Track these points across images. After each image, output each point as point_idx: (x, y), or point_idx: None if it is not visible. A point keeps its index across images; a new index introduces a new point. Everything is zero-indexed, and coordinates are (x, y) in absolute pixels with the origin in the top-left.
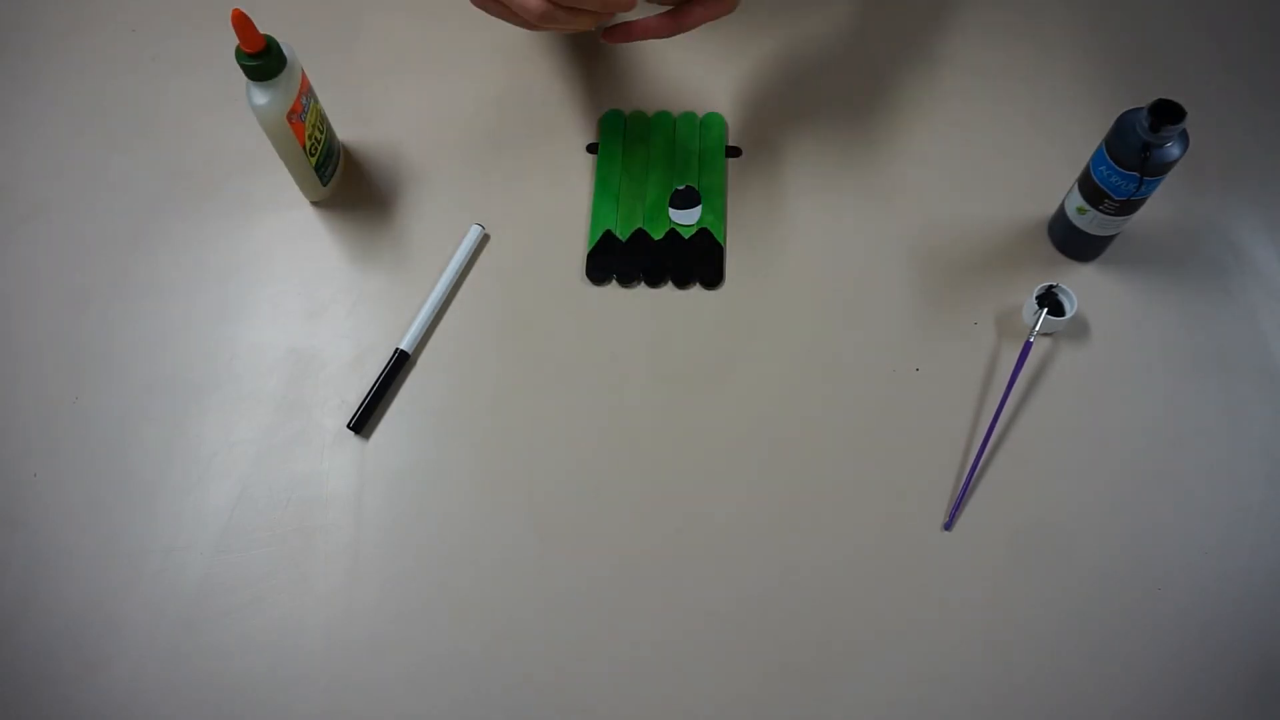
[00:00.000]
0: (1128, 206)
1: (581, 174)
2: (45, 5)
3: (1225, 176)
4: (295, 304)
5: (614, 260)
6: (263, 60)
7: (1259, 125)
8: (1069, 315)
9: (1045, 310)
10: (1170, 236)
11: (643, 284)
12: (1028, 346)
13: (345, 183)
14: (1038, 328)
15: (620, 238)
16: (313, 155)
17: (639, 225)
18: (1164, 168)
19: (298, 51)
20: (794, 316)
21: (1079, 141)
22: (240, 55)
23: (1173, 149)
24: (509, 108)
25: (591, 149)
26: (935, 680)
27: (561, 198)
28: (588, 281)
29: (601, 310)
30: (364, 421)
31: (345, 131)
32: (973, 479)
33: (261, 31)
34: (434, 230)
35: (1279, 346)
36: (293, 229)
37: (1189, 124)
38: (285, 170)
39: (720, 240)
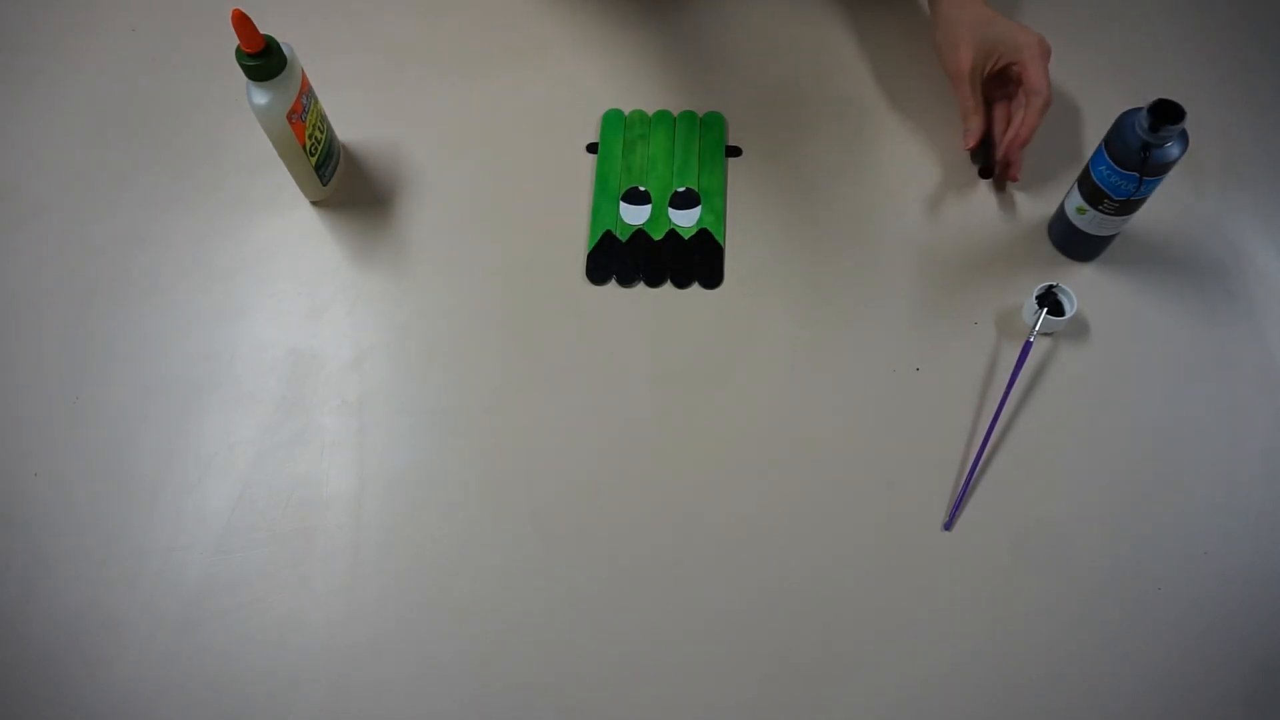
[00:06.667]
0: (1127, 206)
1: (581, 174)
2: (45, 5)
3: (1225, 176)
4: (295, 304)
5: (614, 260)
6: (263, 60)
7: (1259, 125)
8: (1069, 315)
9: (1045, 310)
10: (1170, 236)
11: (643, 284)
12: (1028, 346)
13: (345, 183)
14: (1038, 328)
15: (620, 238)
16: (313, 155)
17: (639, 225)
18: (1163, 168)
19: (298, 51)
20: (794, 316)
21: (1079, 142)
22: (240, 55)
23: (1172, 149)
24: (509, 108)
25: (591, 149)
26: (935, 679)
27: (561, 198)
28: (588, 281)
29: (601, 310)
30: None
31: (345, 131)
32: (973, 479)
33: (261, 31)
34: (434, 230)
35: (1279, 346)
36: (293, 229)
37: (1188, 124)
38: (285, 170)
39: (720, 240)
